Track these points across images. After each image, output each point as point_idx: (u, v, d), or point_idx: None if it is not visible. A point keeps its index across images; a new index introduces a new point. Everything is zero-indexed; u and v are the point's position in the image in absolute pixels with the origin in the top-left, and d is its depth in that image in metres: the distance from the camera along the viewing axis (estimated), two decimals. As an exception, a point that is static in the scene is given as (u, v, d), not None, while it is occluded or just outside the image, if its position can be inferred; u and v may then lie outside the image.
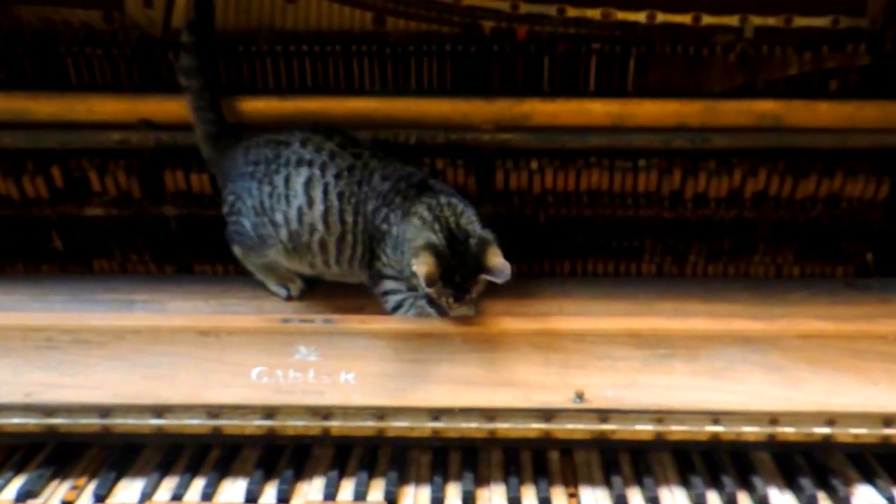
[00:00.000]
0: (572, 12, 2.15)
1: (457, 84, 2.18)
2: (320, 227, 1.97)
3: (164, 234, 2.25)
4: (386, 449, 1.90)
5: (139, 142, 2.15)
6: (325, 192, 1.96)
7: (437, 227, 1.89)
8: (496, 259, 1.87)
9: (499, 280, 1.86)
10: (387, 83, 2.18)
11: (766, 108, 2.13)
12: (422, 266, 1.83)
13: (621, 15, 2.14)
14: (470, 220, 1.93)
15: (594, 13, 2.15)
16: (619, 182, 2.19)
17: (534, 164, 2.18)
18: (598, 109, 2.14)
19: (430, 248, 1.86)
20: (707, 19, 2.15)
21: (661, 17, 2.14)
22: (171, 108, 2.11)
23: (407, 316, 2.00)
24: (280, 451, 1.89)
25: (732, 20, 2.14)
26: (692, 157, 2.18)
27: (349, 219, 1.97)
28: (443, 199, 1.93)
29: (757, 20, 2.15)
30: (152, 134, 2.13)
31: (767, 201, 2.21)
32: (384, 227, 1.96)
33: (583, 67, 2.17)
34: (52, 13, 2.11)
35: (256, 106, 2.13)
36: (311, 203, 1.96)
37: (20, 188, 2.19)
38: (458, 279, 1.88)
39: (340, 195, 1.96)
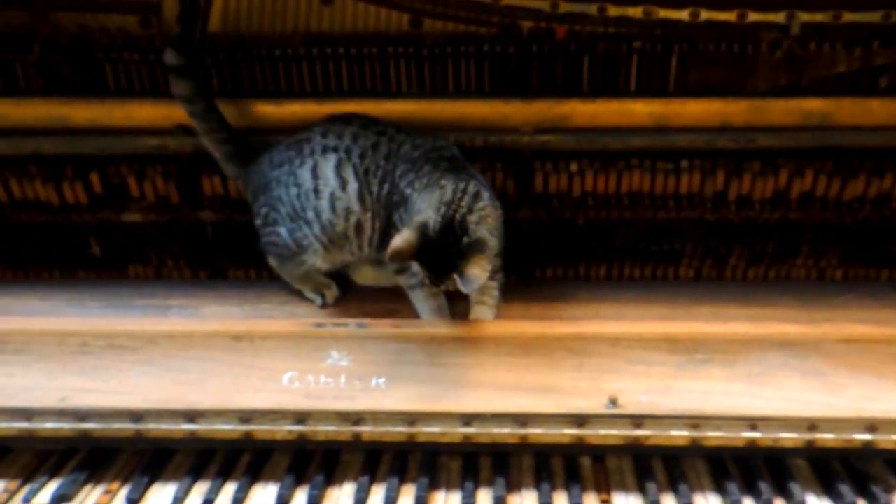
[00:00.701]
0: (613, 11, 2.10)
1: (495, 85, 2.14)
2: (356, 207, 1.97)
3: (200, 240, 2.25)
4: (416, 454, 1.88)
5: (176, 147, 2.15)
6: (355, 172, 1.96)
7: (443, 210, 1.85)
8: (473, 268, 1.81)
9: (462, 288, 1.83)
10: (424, 85, 2.15)
11: (814, 106, 2.07)
12: (398, 240, 1.81)
13: (663, 13, 2.09)
14: (481, 219, 1.87)
15: (635, 11, 2.10)
16: (660, 184, 2.14)
17: (574, 167, 2.14)
18: (640, 110, 2.10)
19: (421, 228, 1.84)
20: (752, 16, 2.09)
21: (704, 15, 2.09)
22: (207, 112, 2.11)
23: (440, 319, 1.99)
24: (310, 457, 1.88)
25: (779, 17, 2.09)
26: (736, 157, 2.12)
27: (374, 189, 1.96)
28: (471, 188, 1.89)
29: (804, 16, 2.09)
30: (189, 139, 2.12)
31: (814, 202, 2.14)
32: (408, 191, 1.93)
33: (624, 67, 2.12)
34: (89, 19, 2.12)
35: (293, 110, 2.12)
36: (344, 184, 1.96)
37: (60, 194, 2.20)
38: (434, 266, 1.86)
39: (367, 171, 1.95)
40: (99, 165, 2.18)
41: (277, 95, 2.14)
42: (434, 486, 1.80)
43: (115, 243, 2.27)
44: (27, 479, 1.86)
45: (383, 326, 1.95)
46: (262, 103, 2.12)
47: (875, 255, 2.20)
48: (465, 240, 1.84)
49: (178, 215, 2.22)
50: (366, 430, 1.83)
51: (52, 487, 1.82)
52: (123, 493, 1.81)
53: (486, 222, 1.88)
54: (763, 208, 2.16)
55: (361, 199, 1.97)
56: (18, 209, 2.22)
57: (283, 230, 2.03)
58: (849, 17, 2.08)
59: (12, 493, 1.81)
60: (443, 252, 1.84)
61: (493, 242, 1.89)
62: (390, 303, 2.06)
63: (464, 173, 1.93)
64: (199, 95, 2.04)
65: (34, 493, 1.81)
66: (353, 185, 1.96)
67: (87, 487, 1.83)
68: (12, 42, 2.13)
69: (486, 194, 1.91)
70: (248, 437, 1.85)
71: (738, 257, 2.21)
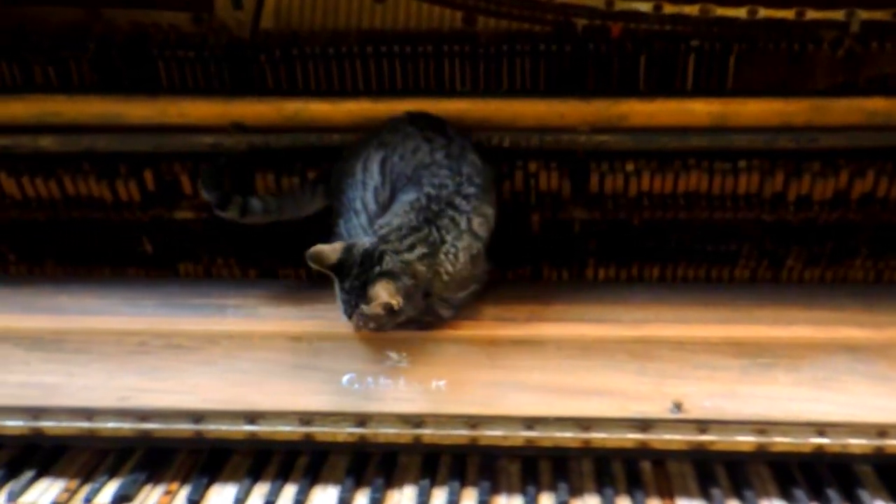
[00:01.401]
0: (669, 9, 2.08)
1: (550, 84, 2.12)
2: (388, 204, 1.97)
3: (252, 238, 2.24)
4: (474, 458, 1.87)
5: (231, 145, 2.14)
6: (391, 171, 1.96)
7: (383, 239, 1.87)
8: (377, 289, 1.81)
9: (364, 309, 1.84)
10: (479, 84, 2.13)
11: (876, 105, 2.05)
12: (325, 246, 1.87)
13: (721, 11, 2.07)
14: (396, 267, 1.84)
15: (692, 9, 2.08)
16: (718, 184, 2.12)
17: (630, 166, 2.12)
18: (698, 109, 2.07)
19: (350, 248, 1.87)
20: (811, 14, 2.07)
21: (762, 13, 2.07)
22: (262, 110, 2.11)
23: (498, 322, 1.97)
24: (366, 458, 1.87)
25: (838, 14, 2.06)
26: (796, 157, 2.09)
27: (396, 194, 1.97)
28: (409, 241, 1.87)
29: (864, 14, 2.06)
30: (244, 137, 2.12)
31: (874, 203, 2.12)
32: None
33: (681, 66, 2.10)
34: (141, 16, 2.11)
35: (348, 108, 2.10)
36: (383, 182, 1.97)
37: (113, 191, 2.19)
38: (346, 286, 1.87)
39: (398, 176, 1.96)
40: (152, 163, 2.18)
41: (331, 94, 2.13)
42: (495, 489, 1.79)
43: (167, 241, 2.26)
44: (86, 478, 1.85)
45: (441, 328, 1.93)
46: (316, 102, 2.11)
47: (936, 256, 2.18)
48: (377, 269, 1.84)
49: (231, 213, 2.21)
50: (426, 433, 1.82)
51: (112, 487, 1.81)
52: (184, 493, 1.80)
53: (399, 270, 1.86)
54: (822, 209, 2.13)
55: (390, 199, 1.97)
56: (72, 206, 2.22)
57: (341, 222, 2.03)
58: (911, 14, 2.06)
59: (73, 493, 1.81)
60: (356, 279, 1.85)
61: (407, 281, 1.84)
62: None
63: (431, 227, 1.89)
64: (269, 210, 2.12)
65: (95, 492, 1.80)
66: (389, 185, 1.97)
67: (147, 487, 1.82)
68: (67, 39, 2.12)
69: (413, 253, 1.87)
70: (307, 438, 1.84)
71: (795, 258, 2.18)
